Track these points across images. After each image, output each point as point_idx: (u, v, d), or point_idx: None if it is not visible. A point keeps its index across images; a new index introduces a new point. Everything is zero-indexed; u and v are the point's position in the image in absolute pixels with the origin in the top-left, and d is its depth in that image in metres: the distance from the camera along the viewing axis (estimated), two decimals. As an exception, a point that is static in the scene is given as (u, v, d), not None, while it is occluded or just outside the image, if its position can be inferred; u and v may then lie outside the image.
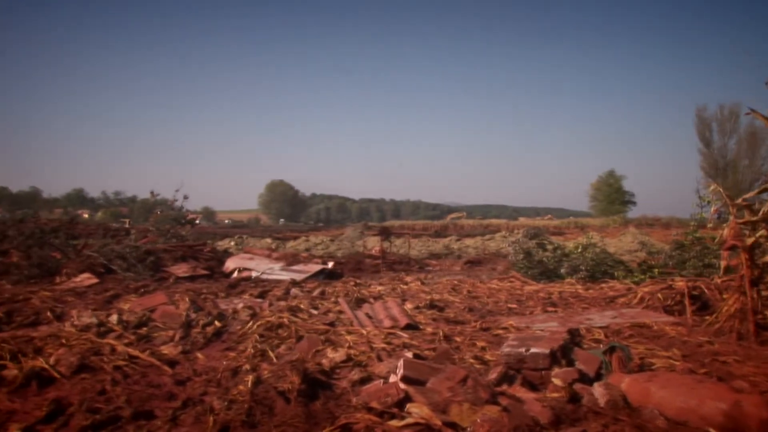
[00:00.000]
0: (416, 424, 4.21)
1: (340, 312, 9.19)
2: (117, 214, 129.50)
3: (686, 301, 8.98)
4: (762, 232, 7.37)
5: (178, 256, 16.45)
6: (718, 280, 9.55)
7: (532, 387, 5.11)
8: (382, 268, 18.12)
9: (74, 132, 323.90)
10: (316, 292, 11.64)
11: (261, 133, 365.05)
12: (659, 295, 9.60)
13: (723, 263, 8.46)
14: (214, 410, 4.68)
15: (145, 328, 7.94)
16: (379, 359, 6.22)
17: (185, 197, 22.54)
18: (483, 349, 6.76)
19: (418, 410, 4.34)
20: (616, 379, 5.00)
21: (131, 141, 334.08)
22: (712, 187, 9.23)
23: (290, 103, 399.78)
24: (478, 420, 4.11)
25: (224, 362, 6.31)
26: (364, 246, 29.86)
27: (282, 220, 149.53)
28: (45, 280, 13.46)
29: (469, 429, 4.09)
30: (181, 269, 15.05)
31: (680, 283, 9.67)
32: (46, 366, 5.77)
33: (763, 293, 7.49)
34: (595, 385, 4.91)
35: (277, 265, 16.08)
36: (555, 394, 4.82)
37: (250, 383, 5.23)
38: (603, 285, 12.43)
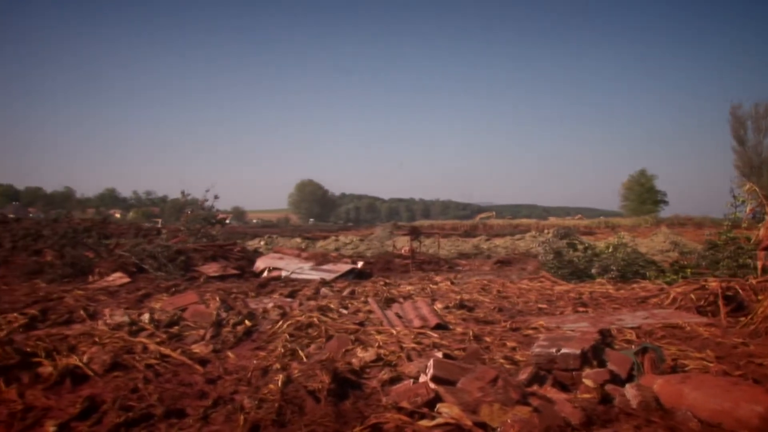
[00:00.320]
0: (446, 424, 4.19)
1: (370, 312, 9.19)
2: (148, 214, 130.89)
3: (720, 302, 8.86)
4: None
5: (209, 255, 16.55)
6: (753, 281, 9.40)
7: (563, 387, 5.07)
8: (412, 268, 18.10)
9: (107, 133, 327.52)
10: (345, 292, 11.66)
11: (291, 133, 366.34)
12: (692, 295, 9.48)
13: (759, 264, 8.34)
14: (244, 409, 4.70)
15: (176, 327, 8.00)
16: (409, 359, 6.21)
17: (216, 197, 22.66)
18: (513, 349, 6.74)
19: (448, 410, 4.32)
20: (649, 381, 4.95)
21: (162, 142, 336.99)
22: (746, 186, 9.12)
23: (319, 103, 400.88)
24: (509, 420, 4.09)
25: (254, 361, 6.33)
26: (394, 246, 29.85)
27: (311, 219, 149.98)
28: (78, 279, 13.61)
29: (499, 429, 4.07)
30: (211, 269, 15.15)
31: (714, 284, 9.53)
32: (80, 364, 5.84)
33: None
34: (627, 386, 4.85)
35: (307, 265, 16.13)
36: (586, 395, 4.78)
37: (280, 382, 5.25)
38: (634, 285, 12.31)
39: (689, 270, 13.27)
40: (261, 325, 8.26)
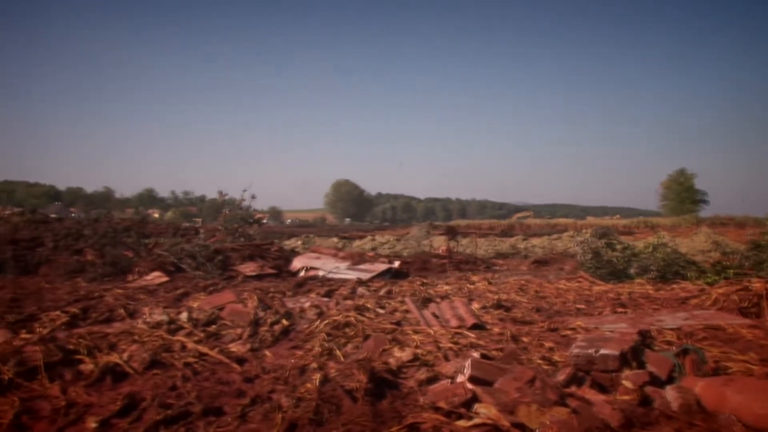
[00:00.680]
0: (484, 424, 4.18)
1: (407, 311, 9.19)
2: (186, 214, 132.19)
3: (764, 303, 8.70)
4: None
5: (246, 255, 16.66)
6: (799, 282, 9.22)
7: (602, 389, 5.01)
8: (449, 268, 18.05)
9: (146, 134, 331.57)
10: (382, 292, 11.67)
11: (327, 133, 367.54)
12: (734, 296, 9.31)
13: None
14: (282, 408, 4.72)
15: (214, 326, 8.06)
16: (446, 359, 6.20)
17: (253, 197, 22.78)
18: (551, 349, 6.68)
19: (485, 410, 4.31)
20: (690, 383, 4.87)
21: (200, 143, 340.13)
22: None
23: (355, 103, 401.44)
24: (547, 421, 4.06)
25: (292, 360, 6.36)
26: (431, 245, 29.82)
27: (348, 219, 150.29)
28: (118, 278, 13.79)
29: (537, 430, 4.04)
30: (248, 268, 15.25)
31: (757, 285, 9.36)
32: (120, 361, 5.92)
33: None
34: (668, 388, 4.79)
35: (344, 265, 16.17)
36: (625, 397, 4.72)
37: (317, 381, 5.27)
38: (674, 286, 12.15)
39: (732, 271, 13.04)
40: (298, 324, 8.30)
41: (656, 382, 4.99)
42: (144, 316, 8.46)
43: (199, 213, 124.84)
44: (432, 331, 7.54)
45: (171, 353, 6.43)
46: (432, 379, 5.51)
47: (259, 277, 14.50)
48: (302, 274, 15.54)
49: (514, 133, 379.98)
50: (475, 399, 4.56)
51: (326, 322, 8.06)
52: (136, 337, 7.02)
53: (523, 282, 13.36)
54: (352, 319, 8.16)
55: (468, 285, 13.00)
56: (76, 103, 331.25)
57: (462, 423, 4.24)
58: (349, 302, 10.09)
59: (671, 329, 7.60)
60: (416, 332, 7.49)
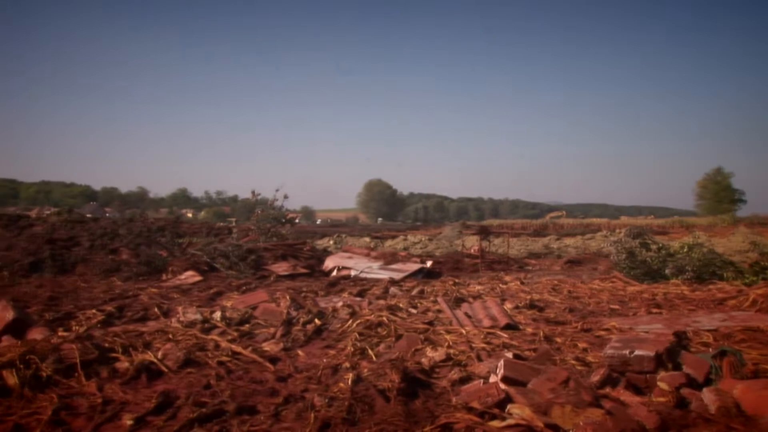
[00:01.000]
0: (517, 425, 4.15)
1: (439, 311, 9.18)
2: (219, 214, 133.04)
3: (803, 304, 8.56)
4: None
5: (279, 254, 16.76)
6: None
7: (637, 390, 4.96)
8: (481, 268, 17.97)
9: (179, 135, 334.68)
10: (414, 291, 11.66)
11: (359, 133, 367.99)
12: (773, 297, 9.17)
13: None
14: (315, 407, 4.74)
15: (247, 325, 8.12)
16: (479, 359, 6.18)
17: (285, 197, 22.90)
18: (585, 350, 6.64)
19: (519, 411, 4.28)
20: (728, 386, 4.79)
21: (233, 143, 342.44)
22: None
23: (387, 102, 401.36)
24: (581, 423, 4.02)
25: (324, 360, 6.39)
26: (463, 245, 29.71)
27: (380, 219, 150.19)
28: (152, 277, 13.94)
29: (571, 432, 4.01)
30: (281, 267, 15.33)
31: (797, 286, 9.20)
32: (155, 360, 5.99)
33: None
34: (705, 390, 4.72)
35: (376, 264, 16.18)
36: (661, 399, 4.66)
37: (350, 381, 5.29)
38: (711, 286, 11.99)
39: (770, 271, 12.84)
40: (331, 323, 8.33)
41: (693, 384, 4.93)
42: (178, 315, 8.54)
43: (232, 213, 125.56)
44: (465, 331, 7.53)
45: (205, 352, 6.49)
46: (465, 379, 5.50)
47: (291, 277, 14.57)
48: (335, 273, 15.58)
49: (548, 132, 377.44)
50: (508, 399, 4.54)
51: (359, 321, 8.08)
52: (170, 336, 7.10)
53: (556, 282, 13.27)
54: (385, 318, 8.17)
55: (500, 285, 12.95)
56: (111, 104, 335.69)
57: (495, 423, 4.22)
58: (381, 302, 10.11)
59: (708, 330, 7.49)
60: (449, 332, 7.48)
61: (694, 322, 8.23)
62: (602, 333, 7.60)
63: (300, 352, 6.77)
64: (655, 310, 9.50)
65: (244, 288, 12.24)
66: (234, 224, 34.09)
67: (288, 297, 9.72)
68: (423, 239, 38.10)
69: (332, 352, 6.79)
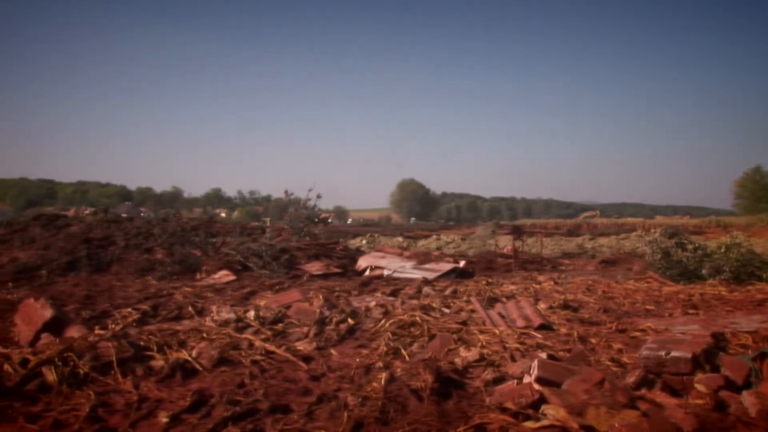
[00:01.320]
0: (551, 426, 4.12)
1: (473, 311, 9.14)
2: (252, 213, 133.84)
3: None
4: None
5: (312, 254, 16.81)
6: None
7: (673, 392, 4.89)
8: (515, 267, 17.88)
9: (213, 135, 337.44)
10: (447, 291, 11.62)
11: (392, 133, 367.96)
12: (815, 298, 9.00)
13: None
14: (348, 406, 4.75)
15: (280, 324, 8.14)
16: (513, 359, 6.15)
17: (318, 196, 22.94)
18: (620, 351, 6.57)
19: (553, 412, 4.25)
20: (768, 389, 4.71)
21: (266, 143, 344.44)
22: None
23: (420, 102, 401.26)
24: (616, 424, 3.98)
25: (357, 359, 6.39)
26: (496, 245, 29.60)
27: (413, 218, 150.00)
28: (186, 277, 14.05)
29: (606, 433, 3.97)
30: (314, 267, 15.37)
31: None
32: (190, 358, 6.03)
33: None
34: (744, 393, 4.64)
35: (409, 264, 16.15)
36: (699, 401, 4.60)
37: (383, 380, 5.28)
38: (749, 287, 11.82)
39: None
40: (364, 323, 8.33)
41: (732, 386, 4.85)
42: (212, 314, 8.59)
43: (265, 212, 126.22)
44: (498, 331, 7.49)
45: (239, 351, 6.52)
46: (498, 380, 5.48)
47: (324, 276, 14.61)
48: (367, 273, 15.58)
49: (581, 131, 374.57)
50: (542, 400, 4.51)
51: (392, 321, 8.07)
52: (204, 335, 7.14)
53: (590, 282, 13.16)
54: (418, 318, 8.16)
55: (534, 285, 12.86)
56: (147, 106, 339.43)
57: (529, 424, 4.20)
58: (414, 301, 10.09)
59: (747, 332, 7.35)
60: (482, 332, 7.45)
61: (732, 323, 8.10)
62: (637, 334, 7.52)
63: (333, 352, 6.78)
64: (691, 311, 9.38)
65: (278, 287, 12.30)
66: (268, 224, 34.23)
67: (321, 296, 9.74)
68: (456, 239, 38.04)
69: (365, 351, 6.79)
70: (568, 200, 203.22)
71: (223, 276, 13.79)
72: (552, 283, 13.24)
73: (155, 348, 6.29)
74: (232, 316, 8.25)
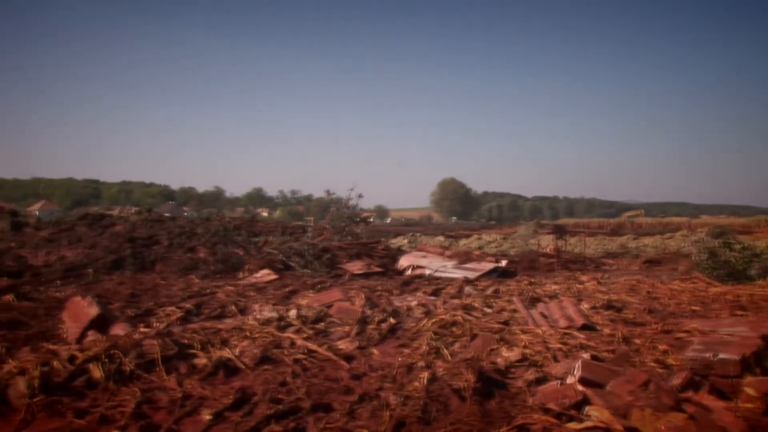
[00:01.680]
0: (595, 428, 4.08)
1: (514, 311, 9.08)
2: (294, 213, 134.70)
3: None
4: None
5: (353, 253, 16.83)
6: None
7: (721, 395, 4.79)
8: (557, 267, 17.72)
9: (254, 135, 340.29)
10: (489, 291, 11.56)
11: (433, 132, 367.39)
12: None
13: None
14: (390, 406, 4.74)
15: (322, 324, 8.16)
16: (555, 360, 6.10)
17: (359, 196, 22.98)
18: (665, 352, 6.47)
19: (597, 413, 4.20)
20: (822, 392, 4.59)
21: (307, 143, 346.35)
22: None
23: (461, 102, 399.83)
24: (662, 427, 3.92)
25: (399, 358, 6.38)
26: (538, 244, 29.42)
27: (454, 218, 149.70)
28: (229, 276, 14.16)
29: (652, 436, 3.91)
30: (355, 266, 15.39)
31: None
32: (232, 356, 6.08)
33: None
34: (795, 396, 4.54)
35: (450, 263, 16.10)
36: (748, 405, 4.50)
37: (425, 380, 5.27)
38: (800, 288, 11.56)
39: None
40: (405, 322, 8.32)
41: (782, 390, 4.74)
42: (254, 313, 8.64)
43: (307, 212, 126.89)
44: (540, 331, 7.42)
45: (281, 349, 6.55)
46: (541, 380, 5.44)
47: (365, 276, 14.62)
48: (409, 272, 15.56)
49: (624, 129, 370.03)
50: (585, 401, 4.47)
51: (433, 320, 8.05)
52: (247, 333, 7.18)
53: (634, 282, 12.97)
54: (460, 318, 8.13)
55: (577, 285, 12.72)
56: (190, 106, 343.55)
57: (573, 425, 4.16)
58: (456, 301, 10.05)
59: (797, 334, 7.21)
60: (524, 332, 7.39)
61: (782, 324, 7.94)
62: (683, 335, 7.39)
63: (375, 351, 6.78)
64: (739, 312, 9.20)
65: (319, 286, 12.34)
66: (311, 223, 34.42)
67: (362, 295, 9.74)
68: (497, 238, 37.92)
69: (407, 350, 6.78)
70: (611, 199, 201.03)
71: (265, 275, 13.88)
72: (595, 283, 13.09)
73: (198, 346, 6.35)
74: (274, 314, 8.29)
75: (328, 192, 24.26)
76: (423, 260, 16.58)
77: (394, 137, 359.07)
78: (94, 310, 7.33)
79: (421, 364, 6.04)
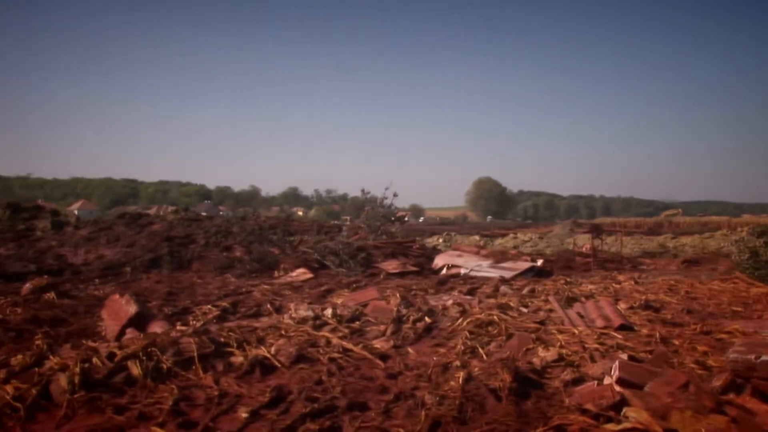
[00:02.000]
0: (634, 429, 4.03)
1: (551, 310, 9.01)
2: (329, 212, 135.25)
3: None
4: None
5: (388, 252, 16.85)
6: None
7: (765, 398, 4.70)
8: (593, 267, 17.56)
9: (290, 133, 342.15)
10: (525, 290, 11.49)
11: (468, 131, 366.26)
12: None
13: None
14: (425, 405, 4.73)
15: (357, 322, 8.17)
16: (593, 360, 6.04)
17: (394, 195, 22.97)
18: (705, 353, 6.38)
19: (635, 414, 4.15)
20: None
21: (344, 142, 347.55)
22: None
23: (496, 100, 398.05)
24: (703, 430, 3.86)
25: (434, 358, 6.37)
26: (574, 243, 29.16)
27: (489, 217, 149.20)
28: (265, 274, 14.25)
29: (692, 438, 3.85)
30: (391, 265, 15.40)
31: None
32: (268, 355, 6.11)
33: None
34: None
35: (486, 263, 16.04)
36: (792, 407, 4.42)
37: (461, 379, 5.25)
38: None
39: None
40: (440, 322, 8.30)
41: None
42: (290, 312, 8.68)
43: (342, 211, 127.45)
44: (577, 331, 7.37)
45: (316, 348, 6.57)
46: (578, 380, 5.39)
47: (401, 275, 14.62)
48: (444, 271, 15.53)
49: (662, 127, 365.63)
50: (623, 402, 4.41)
51: (469, 320, 8.03)
52: (282, 332, 7.22)
53: (672, 282, 12.82)
54: (495, 317, 8.10)
55: (614, 284, 12.59)
56: (225, 106, 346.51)
57: (611, 426, 4.11)
58: (491, 300, 10.01)
59: None
60: (561, 332, 7.34)
61: (828, 326, 7.78)
62: (723, 336, 7.28)
63: (410, 350, 6.77)
64: (782, 313, 9.05)
65: (354, 285, 12.36)
66: (348, 222, 34.52)
67: (398, 295, 9.74)
68: (533, 237, 37.70)
69: (442, 350, 6.76)
70: (649, 198, 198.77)
71: (301, 274, 13.94)
72: (632, 282, 12.96)
73: (235, 344, 6.39)
74: (309, 313, 8.32)
75: (363, 191, 24.30)
76: (458, 259, 16.54)
77: (430, 136, 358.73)
78: (132, 308, 7.42)
79: (457, 363, 6.02)
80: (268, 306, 9.49)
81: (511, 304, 9.48)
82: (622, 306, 9.38)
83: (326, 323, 7.93)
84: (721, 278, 13.55)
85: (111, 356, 5.65)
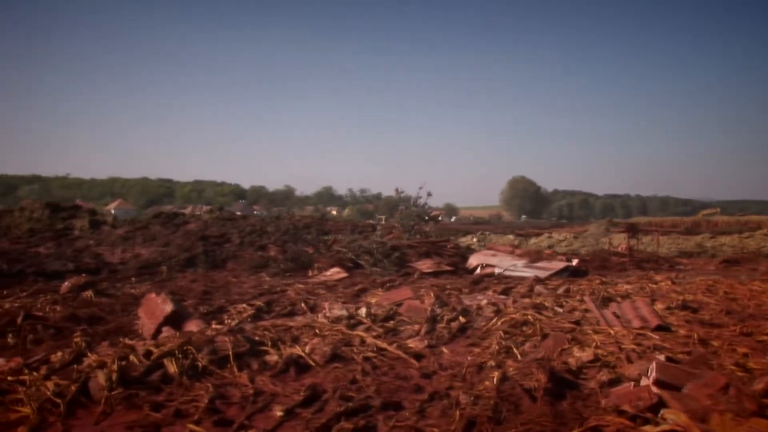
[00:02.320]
0: (672, 431, 3.97)
1: (586, 310, 8.93)
2: (363, 211, 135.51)
3: None
4: None
5: (422, 251, 16.83)
6: None
7: (808, 401, 4.62)
8: (629, 266, 17.39)
9: (324, 133, 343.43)
10: (560, 290, 11.41)
11: (503, 130, 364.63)
12: None
13: None
14: (460, 404, 4.72)
15: (391, 322, 8.16)
16: (629, 361, 5.97)
17: (429, 194, 22.94)
18: (745, 355, 6.26)
19: (674, 417, 4.09)
20: None
21: (376, 142, 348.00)
22: None
23: (529, 100, 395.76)
24: (744, 432, 3.79)
25: (469, 358, 6.34)
26: (610, 243, 28.89)
27: (523, 216, 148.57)
28: (299, 274, 14.31)
29: (732, 441, 3.79)
30: (425, 265, 15.37)
31: None
32: (303, 354, 6.12)
33: None
34: None
35: (520, 262, 15.95)
36: (836, 411, 4.33)
37: (496, 379, 5.23)
38: None
39: None
40: (475, 321, 8.26)
41: None
42: (324, 311, 8.70)
43: (376, 210, 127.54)
44: (613, 332, 7.28)
45: (351, 347, 6.57)
46: (614, 381, 5.32)
47: (435, 274, 14.59)
48: (478, 271, 15.47)
49: (700, 125, 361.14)
50: (661, 404, 4.36)
51: (503, 320, 7.98)
52: (317, 331, 7.23)
53: (711, 282, 12.62)
54: (530, 317, 8.04)
55: (650, 284, 12.44)
56: (259, 106, 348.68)
57: (648, 428, 4.06)
58: (526, 300, 9.95)
59: None
60: (596, 332, 7.27)
61: None
62: (764, 338, 7.16)
63: (444, 350, 6.75)
64: (824, 315, 8.87)
65: (389, 285, 12.36)
66: (383, 222, 34.56)
67: (432, 294, 9.70)
68: (568, 237, 37.41)
69: (477, 350, 6.73)
70: (686, 197, 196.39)
71: (335, 273, 13.97)
72: (669, 282, 12.79)
73: (269, 343, 6.42)
74: (344, 312, 8.34)
75: (397, 190, 24.32)
76: (493, 259, 16.46)
77: (465, 136, 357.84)
78: (168, 307, 7.49)
79: (492, 363, 5.99)
80: (303, 305, 9.51)
81: (546, 303, 9.41)
82: (659, 306, 9.26)
83: (360, 322, 7.94)
84: (762, 278, 13.33)
85: (148, 354, 5.71)
